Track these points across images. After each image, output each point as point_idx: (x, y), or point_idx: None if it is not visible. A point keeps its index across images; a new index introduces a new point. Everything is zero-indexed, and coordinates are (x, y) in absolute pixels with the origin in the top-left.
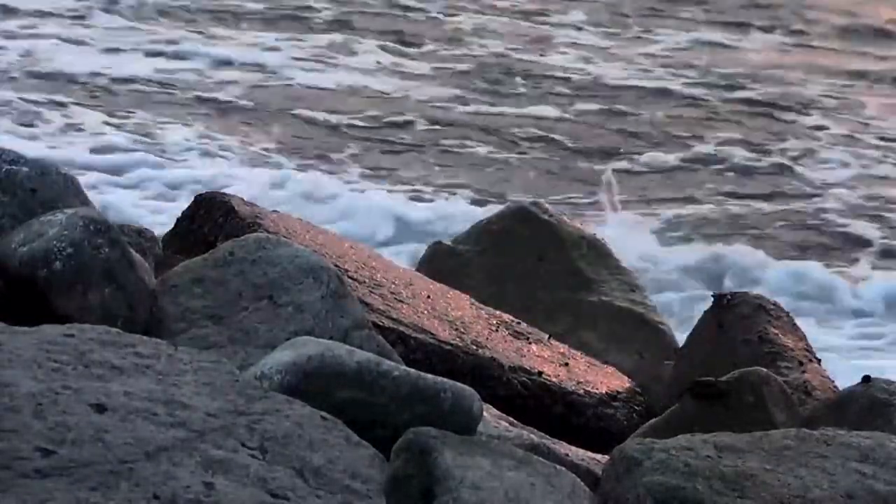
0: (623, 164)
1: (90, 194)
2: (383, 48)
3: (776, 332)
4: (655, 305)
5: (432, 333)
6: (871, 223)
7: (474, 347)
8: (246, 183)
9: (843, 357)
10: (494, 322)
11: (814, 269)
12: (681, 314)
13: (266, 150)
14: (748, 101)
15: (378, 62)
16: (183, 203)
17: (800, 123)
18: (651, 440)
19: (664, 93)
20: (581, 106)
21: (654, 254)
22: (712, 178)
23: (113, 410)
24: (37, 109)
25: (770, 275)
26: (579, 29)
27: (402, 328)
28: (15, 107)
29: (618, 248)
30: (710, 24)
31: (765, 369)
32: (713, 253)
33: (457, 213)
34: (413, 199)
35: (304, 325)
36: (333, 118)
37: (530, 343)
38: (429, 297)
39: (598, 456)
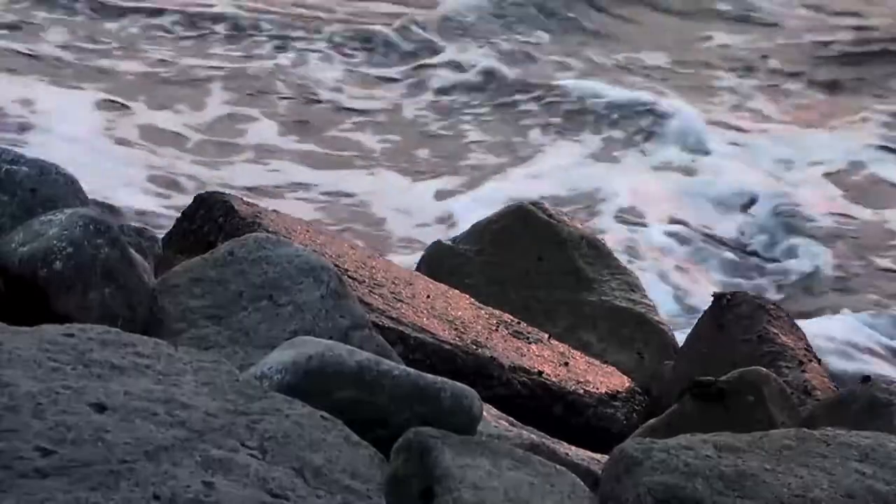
0: None
1: None
2: None
3: (776, 331)
4: (655, 305)
5: (432, 333)
6: None
7: (474, 347)
8: None
9: None
10: (494, 322)
11: None
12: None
13: None
14: None
15: None
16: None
17: None
18: (651, 440)
19: None
20: None
21: None
22: None
23: (113, 410)
24: None
25: None
26: None
27: (402, 328)
28: None
29: None
30: None
31: (765, 369)
32: None
33: None
34: None
35: (304, 325)
36: None
37: (530, 343)
38: (429, 296)
39: (598, 456)
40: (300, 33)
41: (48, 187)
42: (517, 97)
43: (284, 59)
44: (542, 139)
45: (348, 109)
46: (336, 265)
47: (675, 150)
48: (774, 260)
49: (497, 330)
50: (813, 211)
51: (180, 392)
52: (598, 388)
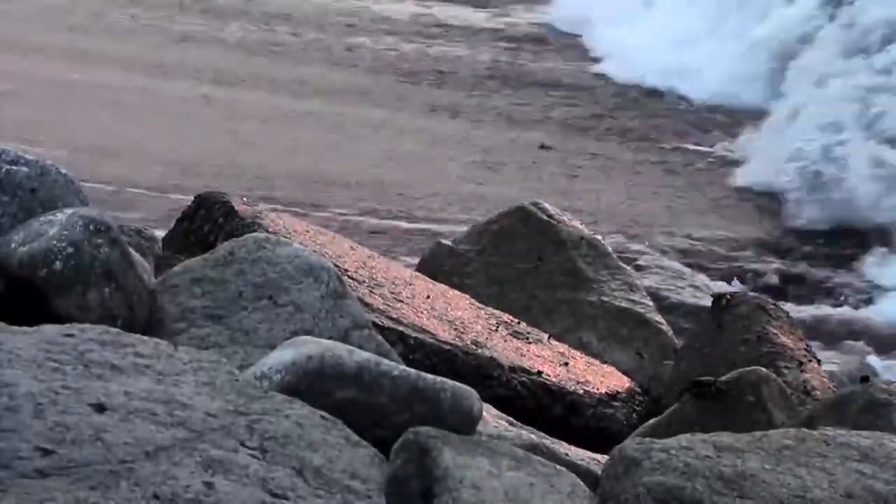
0: None
1: None
2: None
3: (775, 332)
4: (655, 305)
5: (432, 333)
6: None
7: (474, 347)
8: None
9: None
10: (494, 322)
11: None
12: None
13: None
14: None
15: None
16: None
17: None
18: (651, 440)
19: None
20: None
21: None
22: None
23: (113, 410)
24: None
25: None
26: None
27: (402, 328)
28: None
29: None
30: None
31: (764, 369)
32: None
33: None
34: None
35: (304, 325)
36: None
37: (530, 343)
38: (429, 297)
39: (598, 456)
40: None
41: (48, 187)
42: None
43: None
44: None
45: None
46: (336, 265)
47: None
48: None
49: (497, 330)
50: None
51: (180, 392)
52: (597, 389)
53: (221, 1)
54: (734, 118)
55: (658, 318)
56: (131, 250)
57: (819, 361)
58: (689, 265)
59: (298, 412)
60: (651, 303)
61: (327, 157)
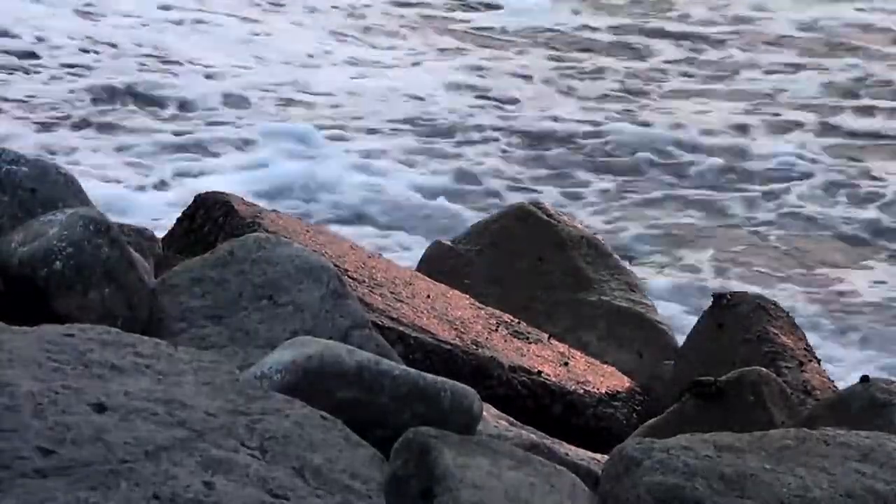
0: None
1: None
2: None
3: (776, 331)
4: (655, 305)
5: (432, 333)
6: None
7: (474, 347)
8: None
9: None
10: (494, 322)
11: None
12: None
13: None
14: None
15: None
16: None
17: None
18: (651, 440)
19: None
20: None
21: None
22: None
23: (113, 410)
24: None
25: None
26: None
27: (402, 328)
28: None
29: None
30: None
31: (764, 369)
32: None
33: None
34: None
35: (304, 325)
36: None
37: (530, 343)
38: (429, 296)
39: (598, 456)
40: None
41: (48, 187)
42: None
43: None
44: None
45: None
46: (336, 265)
47: None
48: None
49: (497, 330)
50: None
51: (180, 392)
52: (598, 388)
53: None
54: None
55: (658, 317)
56: (131, 250)
57: (819, 361)
58: None
59: (298, 412)
60: (651, 302)
61: None
